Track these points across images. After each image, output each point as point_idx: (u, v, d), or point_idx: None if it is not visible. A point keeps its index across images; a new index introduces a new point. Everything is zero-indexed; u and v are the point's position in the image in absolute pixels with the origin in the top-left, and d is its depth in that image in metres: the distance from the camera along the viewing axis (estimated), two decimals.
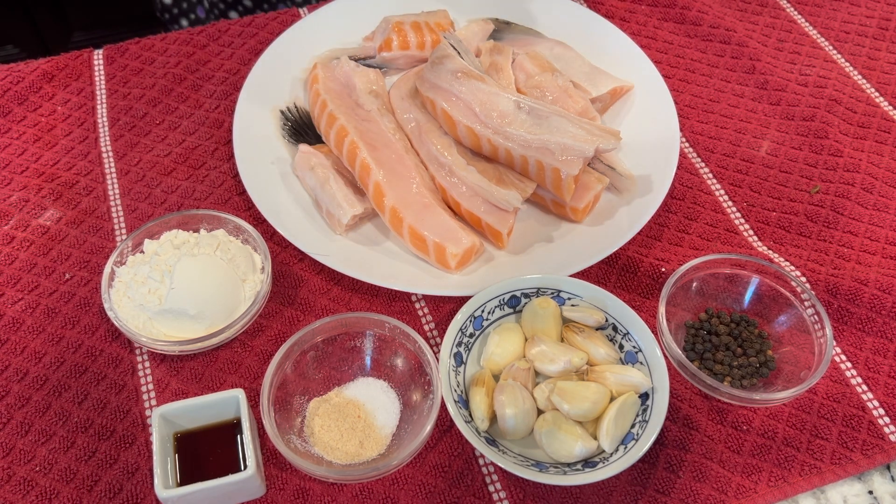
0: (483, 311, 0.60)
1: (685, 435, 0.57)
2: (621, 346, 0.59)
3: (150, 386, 0.59)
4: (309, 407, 0.57)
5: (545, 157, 0.64)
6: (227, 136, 0.75)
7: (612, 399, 0.55)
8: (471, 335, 0.59)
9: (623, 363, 0.58)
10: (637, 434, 0.53)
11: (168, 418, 0.53)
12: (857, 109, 0.78)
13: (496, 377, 0.58)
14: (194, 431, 0.54)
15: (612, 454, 0.53)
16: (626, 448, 0.53)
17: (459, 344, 0.58)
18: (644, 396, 0.55)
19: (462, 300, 0.62)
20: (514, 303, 0.61)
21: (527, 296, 0.61)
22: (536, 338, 0.58)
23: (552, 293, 0.61)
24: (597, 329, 0.60)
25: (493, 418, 0.56)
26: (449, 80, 0.67)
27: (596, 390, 0.54)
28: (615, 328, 0.59)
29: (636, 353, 0.58)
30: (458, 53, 0.71)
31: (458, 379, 0.57)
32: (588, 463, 0.53)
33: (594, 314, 0.59)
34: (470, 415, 0.55)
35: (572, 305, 0.60)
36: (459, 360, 0.58)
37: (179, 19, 1.04)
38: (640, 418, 0.54)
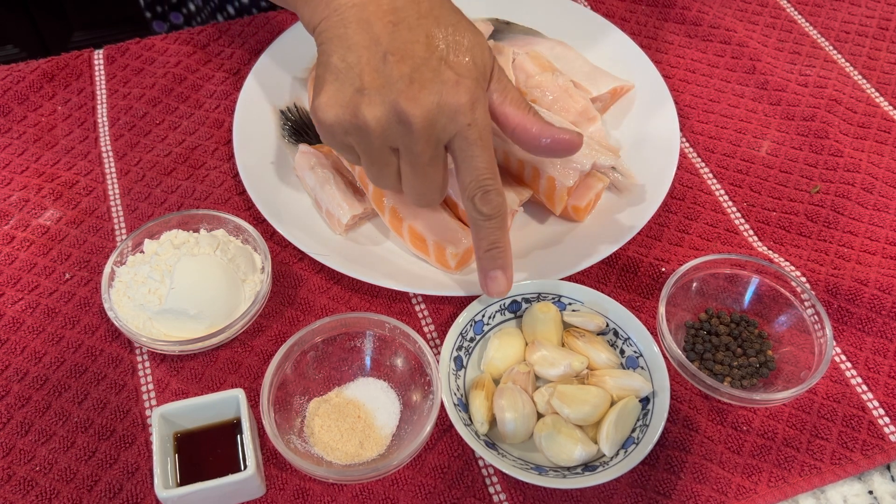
0: (484, 316, 0.60)
1: (685, 436, 0.57)
2: (622, 351, 0.59)
3: (150, 386, 0.59)
4: (309, 407, 0.57)
5: (542, 165, 0.64)
6: (227, 136, 0.75)
7: (612, 403, 0.55)
8: (471, 339, 0.59)
9: (624, 368, 0.58)
10: (637, 438, 0.53)
11: (168, 418, 0.53)
12: (858, 109, 0.78)
13: (496, 381, 0.58)
14: (194, 431, 0.54)
15: (612, 458, 0.53)
16: (626, 452, 0.53)
17: (460, 348, 0.58)
18: (645, 401, 0.55)
19: (462, 302, 0.62)
20: (514, 308, 0.61)
21: (527, 301, 0.61)
22: (537, 342, 0.58)
23: (553, 298, 0.61)
24: (597, 334, 0.60)
25: (493, 422, 0.56)
26: None
27: (596, 394, 0.54)
28: (616, 333, 0.59)
29: (637, 357, 0.58)
30: None
31: (457, 383, 0.57)
32: (588, 466, 0.53)
33: (595, 319, 0.59)
34: (470, 418, 0.55)
35: (573, 310, 0.60)
36: (460, 364, 0.58)
37: (169, 14, 1.04)
38: (640, 422, 0.54)
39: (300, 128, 0.74)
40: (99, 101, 0.78)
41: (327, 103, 0.52)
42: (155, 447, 0.52)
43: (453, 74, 0.51)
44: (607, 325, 0.59)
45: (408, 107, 0.50)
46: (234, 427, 0.54)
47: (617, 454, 0.53)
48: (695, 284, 0.62)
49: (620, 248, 0.65)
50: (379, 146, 0.53)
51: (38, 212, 0.69)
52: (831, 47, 0.84)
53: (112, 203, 0.70)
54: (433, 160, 0.53)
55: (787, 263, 0.66)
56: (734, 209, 0.70)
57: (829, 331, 0.58)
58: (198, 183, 0.71)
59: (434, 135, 0.52)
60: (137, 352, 0.61)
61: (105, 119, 0.76)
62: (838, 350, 0.62)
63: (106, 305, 0.59)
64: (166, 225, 0.64)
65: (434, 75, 0.51)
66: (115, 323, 0.58)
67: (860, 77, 0.81)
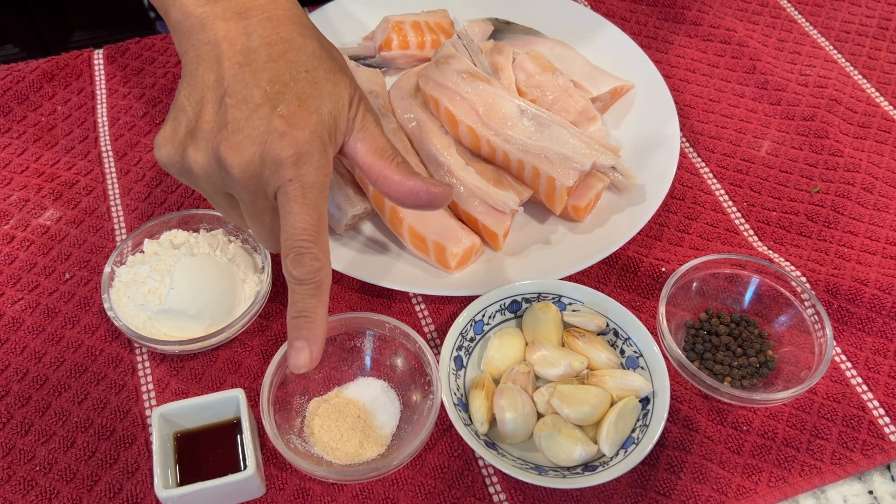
0: (484, 316, 0.60)
1: (685, 436, 0.57)
2: (622, 351, 0.59)
3: (150, 386, 0.59)
4: (309, 407, 0.57)
5: (542, 165, 0.64)
6: None
7: (612, 403, 0.55)
8: (471, 339, 0.59)
9: (624, 368, 0.58)
10: (637, 438, 0.53)
11: (168, 418, 0.53)
12: (858, 109, 0.78)
13: (496, 381, 0.58)
14: (194, 431, 0.54)
15: (612, 458, 0.53)
16: (626, 452, 0.53)
17: (460, 348, 0.58)
18: (645, 401, 0.55)
19: (462, 302, 0.62)
20: (514, 308, 0.61)
21: (528, 301, 0.61)
22: (537, 342, 0.58)
23: (553, 298, 0.61)
24: (598, 334, 0.60)
25: (493, 422, 0.56)
26: (454, 80, 0.67)
27: (596, 394, 0.54)
28: (616, 333, 0.59)
29: (637, 357, 0.58)
30: (469, 54, 0.71)
31: (458, 382, 0.57)
32: (588, 466, 0.53)
33: (595, 319, 0.59)
34: (469, 418, 0.55)
35: (573, 310, 0.60)
36: (460, 363, 0.58)
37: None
38: (640, 423, 0.54)
39: None
40: (99, 101, 0.78)
41: (162, 141, 0.50)
42: (155, 447, 0.52)
43: (283, 125, 0.48)
44: (607, 325, 0.59)
45: (227, 155, 0.48)
46: (234, 427, 0.54)
47: (617, 454, 0.53)
48: (695, 284, 0.62)
49: (620, 248, 0.65)
50: (209, 190, 0.52)
51: (38, 212, 0.69)
52: (831, 47, 0.84)
53: (112, 203, 0.70)
54: (265, 210, 0.51)
55: (788, 263, 0.66)
56: (734, 209, 0.70)
57: (829, 331, 0.58)
58: None
59: (258, 186, 0.49)
60: (137, 352, 0.61)
61: (105, 119, 0.76)
62: (838, 350, 0.62)
63: (106, 305, 0.59)
64: (166, 225, 0.64)
65: (262, 124, 0.48)
66: (115, 323, 0.58)
67: (860, 77, 0.81)
